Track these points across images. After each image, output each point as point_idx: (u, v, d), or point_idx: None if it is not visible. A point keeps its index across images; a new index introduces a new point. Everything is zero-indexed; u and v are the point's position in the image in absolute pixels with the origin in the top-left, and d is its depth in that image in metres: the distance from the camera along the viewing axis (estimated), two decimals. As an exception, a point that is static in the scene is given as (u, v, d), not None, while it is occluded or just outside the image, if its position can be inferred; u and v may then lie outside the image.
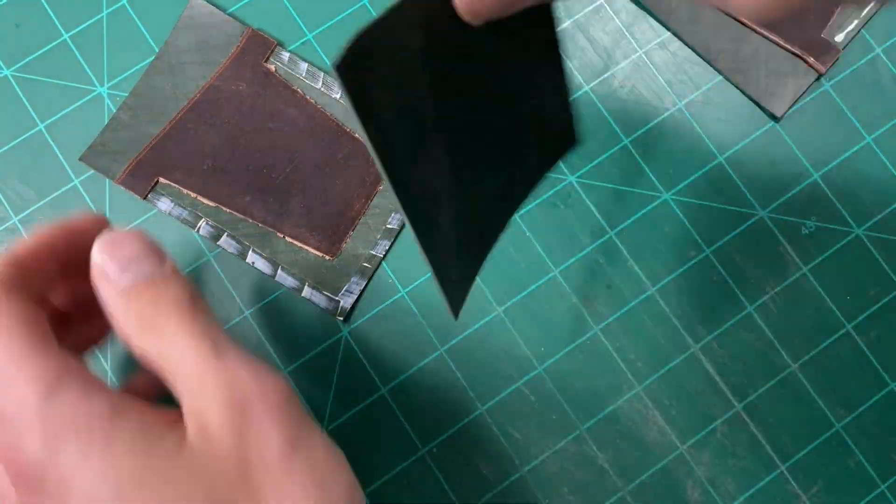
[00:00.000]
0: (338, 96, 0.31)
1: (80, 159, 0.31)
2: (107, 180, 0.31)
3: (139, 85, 0.31)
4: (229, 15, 0.32)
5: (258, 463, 0.19)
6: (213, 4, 0.32)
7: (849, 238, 0.31)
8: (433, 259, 0.22)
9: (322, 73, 0.31)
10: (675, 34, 0.32)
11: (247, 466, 0.19)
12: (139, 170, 0.31)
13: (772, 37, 0.32)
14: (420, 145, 0.21)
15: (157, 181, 0.30)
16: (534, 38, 0.23)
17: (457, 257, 0.23)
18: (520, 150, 0.24)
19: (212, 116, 0.31)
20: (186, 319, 0.20)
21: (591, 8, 0.32)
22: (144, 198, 0.30)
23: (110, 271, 0.21)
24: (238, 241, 0.30)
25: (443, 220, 0.22)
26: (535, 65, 0.23)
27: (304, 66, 0.31)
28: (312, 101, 0.31)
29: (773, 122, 0.32)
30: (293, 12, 0.32)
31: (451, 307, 0.24)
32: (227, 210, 0.30)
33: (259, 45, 0.31)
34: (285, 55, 0.31)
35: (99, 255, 0.21)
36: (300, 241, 0.30)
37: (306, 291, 0.30)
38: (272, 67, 0.31)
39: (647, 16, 0.32)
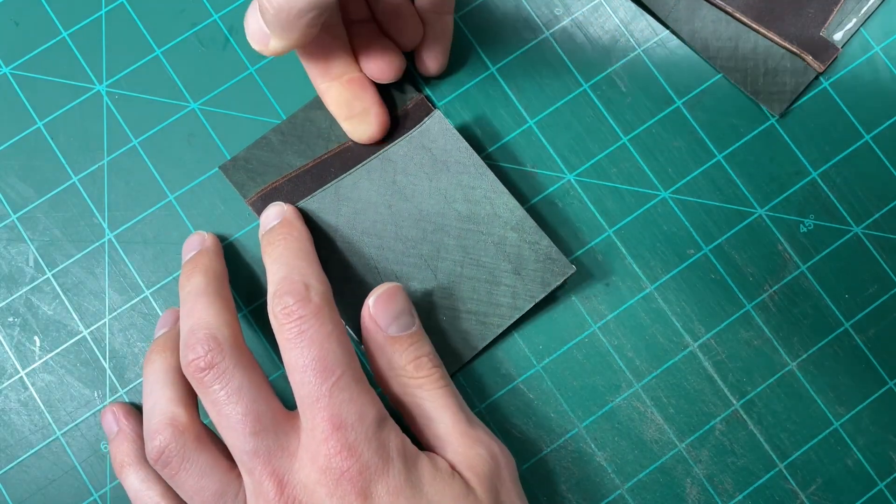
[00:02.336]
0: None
1: (220, 168, 0.30)
2: (106, 180, 0.31)
3: (298, 114, 0.31)
4: (406, 75, 0.31)
5: None
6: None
7: (847, 236, 0.31)
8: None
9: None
10: (673, 32, 0.32)
11: None
12: (272, 196, 0.30)
13: (770, 35, 0.32)
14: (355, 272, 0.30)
15: None
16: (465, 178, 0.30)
17: None
18: (482, 282, 0.30)
19: (355, 167, 0.30)
20: (441, 378, 0.27)
21: (589, 6, 0.32)
22: None
23: (381, 322, 0.27)
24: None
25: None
26: (478, 203, 0.30)
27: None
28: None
29: (771, 120, 0.32)
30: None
31: None
32: None
33: (423, 114, 0.31)
34: None
35: (374, 308, 0.27)
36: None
37: None
38: None
39: (646, 13, 0.32)
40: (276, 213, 0.29)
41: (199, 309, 0.26)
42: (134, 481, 0.27)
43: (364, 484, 0.24)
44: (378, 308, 0.27)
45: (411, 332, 0.28)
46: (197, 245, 0.29)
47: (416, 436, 0.27)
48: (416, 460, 0.25)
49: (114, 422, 0.29)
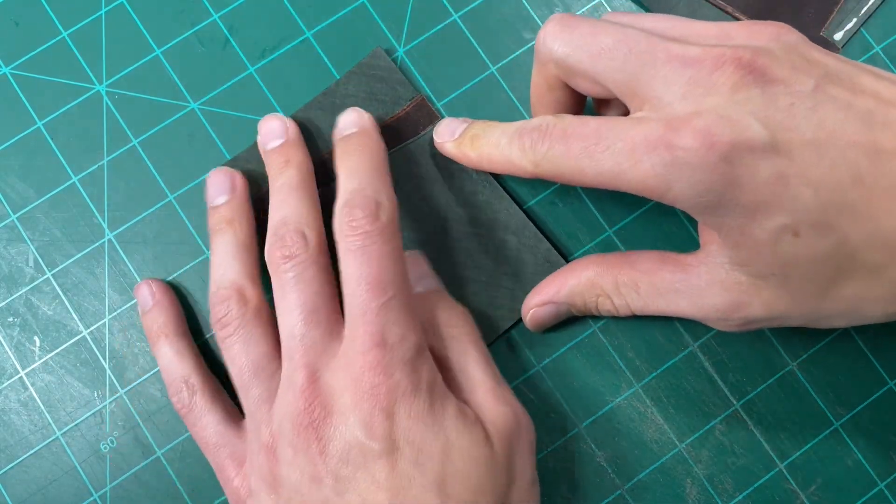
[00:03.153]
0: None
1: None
2: (106, 180, 0.31)
3: (297, 114, 0.31)
4: (405, 76, 0.31)
5: (518, 480, 0.26)
6: (395, 61, 0.32)
7: (847, 236, 0.31)
8: None
9: None
10: (673, 32, 0.32)
11: (512, 479, 0.26)
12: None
13: (771, 35, 0.32)
14: None
15: None
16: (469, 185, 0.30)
17: None
18: (486, 280, 0.30)
19: None
20: (474, 333, 0.28)
21: (589, 6, 0.32)
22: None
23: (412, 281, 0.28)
24: None
25: None
26: (481, 208, 0.30)
27: None
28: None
29: (771, 121, 0.32)
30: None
31: None
32: None
33: (423, 115, 0.31)
34: None
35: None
36: None
37: None
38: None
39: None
40: (353, 121, 0.29)
41: (293, 203, 0.27)
42: (168, 352, 0.28)
43: (389, 402, 0.24)
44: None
45: (439, 290, 0.29)
46: (280, 133, 0.29)
47: None
48: (444, 397, 0.25)
49: (149, 295, 0.29)
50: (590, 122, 0.24)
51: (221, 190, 0.29)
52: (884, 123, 0.22)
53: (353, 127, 0.29)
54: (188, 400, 0.28)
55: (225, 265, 0.28)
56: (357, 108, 0.29)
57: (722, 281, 0.25)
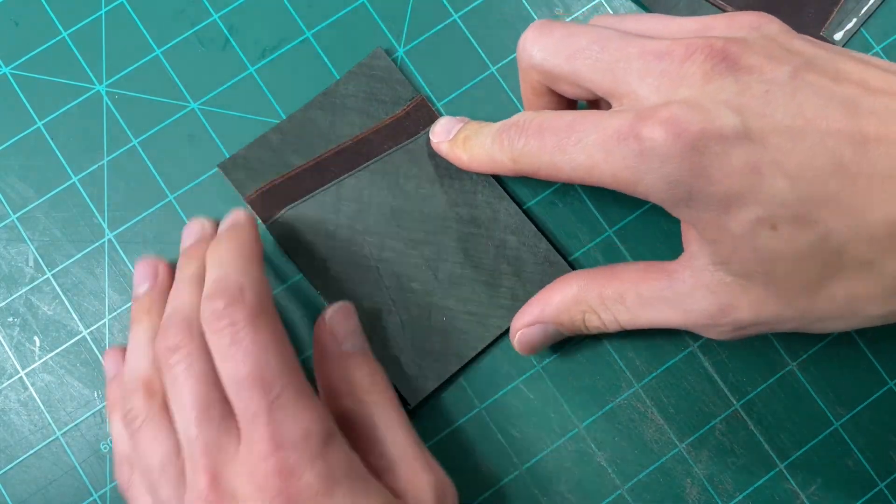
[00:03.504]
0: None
1: (219, 166, 0.31)
2: (105, 180, 0.31)
3: (297, 114, 0.31)
4: (405, 76, 0.31)
5: None
6: (395, 61, 0.32)
7: (847, 236, 0.31)
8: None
9: None
10: (673, 32, 0.32)
11: None
12: (271, 194, 0.30)
13: (770, 35, 0.32)
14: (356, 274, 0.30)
15: (285, 211, 0.30)
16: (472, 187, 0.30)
17: (415, 354, 0.29)
18: (484, 284, 0.30)
19: (355, 167, 0.31)
20: (395, 399, 0.28)
21: (589, 6, 0.32)
22: (266, 222, 0.30)
23: (339, 336, 0.28)
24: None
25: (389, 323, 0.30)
26: (480, 207, 0.30)
27: None
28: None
29: (771, 121, 0.32)
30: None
31: (404, 393, 0.29)
32: None
33: (423, 115, 0.31)
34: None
35: (332, 321, 0.28)
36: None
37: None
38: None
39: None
40: (227, 221, 0.28)
41: (185, 294, 0.26)
42: (118, 426, 0.27)
43: None
44: (336, 322, 0.28)
45: (365, 351, 0.28)
46: (195, 232, 0.29)
47: (360, 456, 0.25)
48: (365, 484, 0.24)
49: (113, 366, 0.29)
50: (565, 116, 0.24)
51: (143, 279, 0.29)
52: (870, 111, 0.21)
53: (224, 226, 0.28)
54: (127, 479, 0.27)
55: (137, 355, 0.27)
56: (236, 209, 0.28)
57: (707, 283, 0.24)
